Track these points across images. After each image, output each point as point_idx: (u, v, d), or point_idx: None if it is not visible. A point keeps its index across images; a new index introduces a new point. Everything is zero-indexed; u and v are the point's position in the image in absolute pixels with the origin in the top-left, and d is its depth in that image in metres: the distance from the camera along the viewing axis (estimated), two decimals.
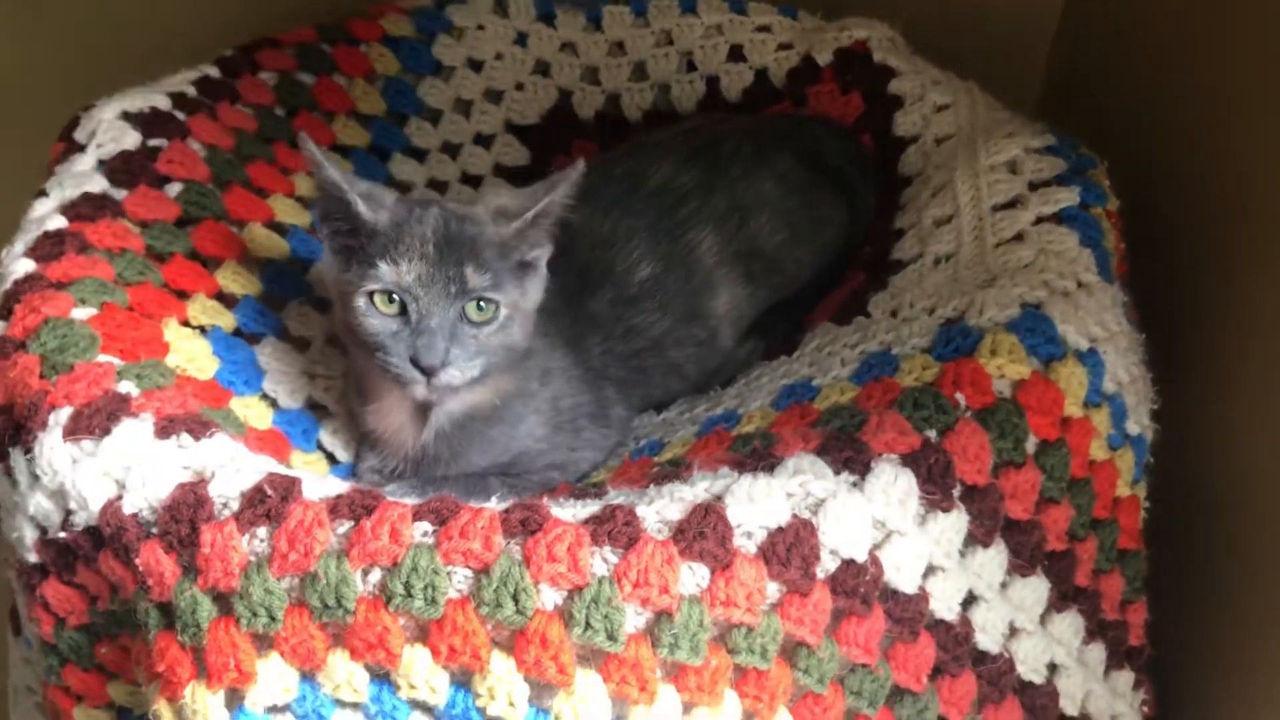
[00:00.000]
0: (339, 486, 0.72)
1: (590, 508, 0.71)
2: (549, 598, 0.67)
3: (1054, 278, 0.85)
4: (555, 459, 0.91)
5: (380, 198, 0.86)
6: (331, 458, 0.92)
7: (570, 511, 0.71)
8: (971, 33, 1.33)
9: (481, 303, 0.82)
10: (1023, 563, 0.78)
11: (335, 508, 0.70)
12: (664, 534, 0.69)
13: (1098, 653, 0.85)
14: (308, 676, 0.70)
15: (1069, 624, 0.82)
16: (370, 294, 0.82)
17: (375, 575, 0.68)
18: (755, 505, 0.70)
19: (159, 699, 0.72)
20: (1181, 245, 1.03)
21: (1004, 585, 0.78)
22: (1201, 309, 1.00)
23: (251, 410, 0.87)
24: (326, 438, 0.92)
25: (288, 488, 0.71)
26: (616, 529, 0.68)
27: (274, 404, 0.90)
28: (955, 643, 0.76)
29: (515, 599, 0.66)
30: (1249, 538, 0.93)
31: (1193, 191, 1.03)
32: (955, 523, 0.74)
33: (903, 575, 0.72)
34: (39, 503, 0.76)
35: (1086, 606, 0.83)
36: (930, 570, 0.74)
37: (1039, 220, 0.90)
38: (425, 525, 0.69)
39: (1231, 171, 0.97)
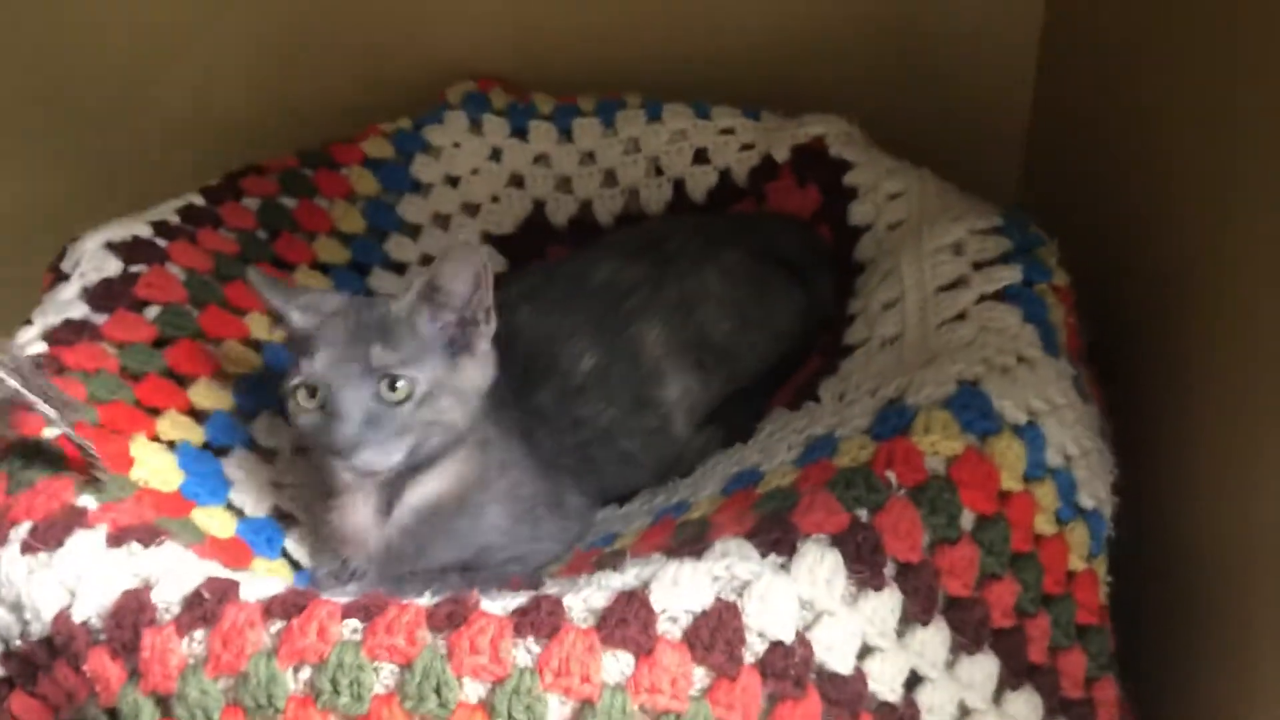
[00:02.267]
0: (277, 587, 0.74)
1: (519, 599, 0.72)
2: (472, 690, 0.68)
3: (993, 354, 0.85)
4: (516, 552, 0.93)
5: (320, 303, 0.91)
6: (296, 565, 0.94)
7: (500, 604, 0.72)
8: (946, 122, 1.36)
9: (396, 381, 0.85)
10: (967, 640, 0.77)
11: (269, 608, 0.71)
12: (588, 622, 0.69)
13: None
14: None
15: (1025, 702, 0.80)
16: (294, 391, 0.86)
17: (306, 673, 0.69)
18: (679, 589, 0.70)
19: None
20: (1167, 313, 1.03)
21: (949, 664, 0.77)
22: (1187, 373, 0.99)
23: (214, 520, 0.90)
24: (291, 545, 0.94)
25: (224, 590, 0.73)
26: (540, 619, 0.69)
27: (239, 513, 0.92)
28: None
29: (438, 692, 0.67)
30: (1234, 607, 0.91)
31: (1178, 259, 1.02)
32: (888, 601, 0.73)
33: (835, 655, 0.71)
34: (1, 616, 0.78)
35: (1044, 684, 0.81)
36: (866, 650, 0.73)
37: (981, 299, 0.91)
38: (354, 622, 0.70)
39: (1210, 243, 0.97)
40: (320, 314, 0.89)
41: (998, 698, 0.79)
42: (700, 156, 1.23)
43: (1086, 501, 0.86)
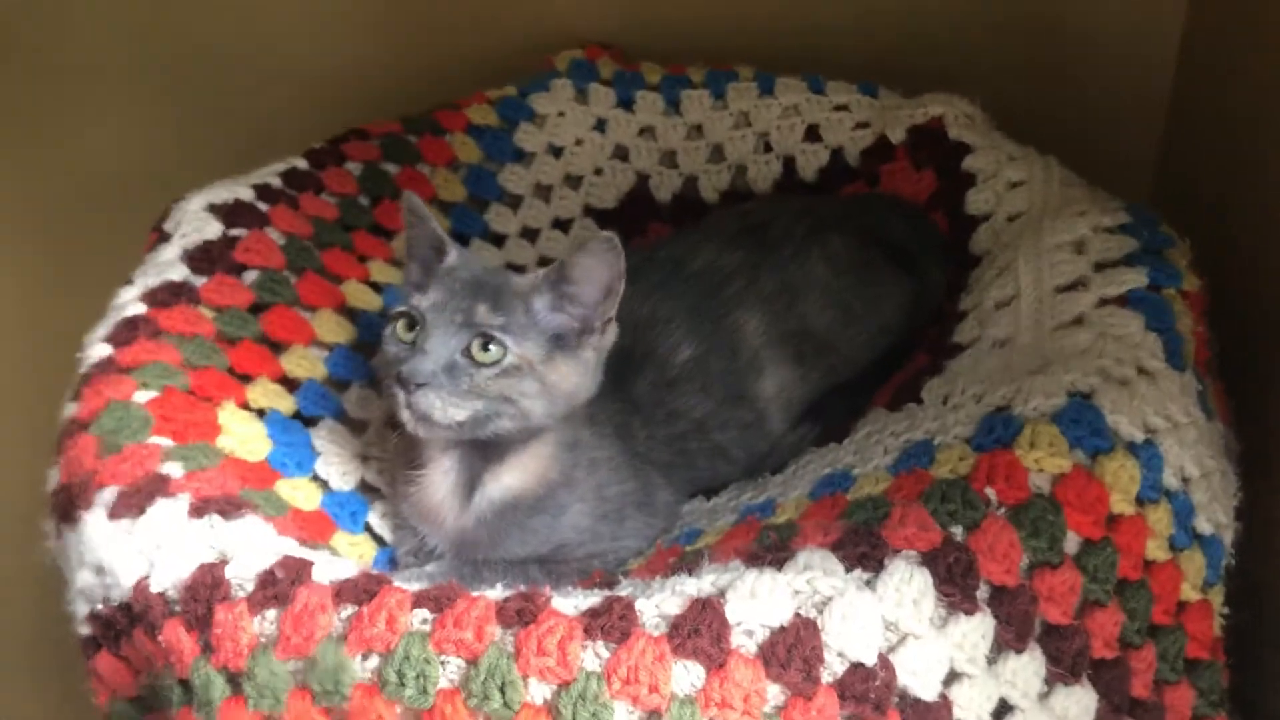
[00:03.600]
0: (351, 570, 0.74)
1: (592, 599, 0.70)
2: (538, 692, 0.66)
3: (1111, 364, 0.80)
4: (596, 549, 0.90)
5: (467, 254, 0.91)
6: (380, 540, 0.94)
7: (572, 602, 0.70)
8: (1079, 106, 1.29)
9: (490, 344, 0.83)
10: (1063, 671, 0.72)
11: (340, 592, 0.70)
12: (660, 629, 0.67)
13: None
14: None
15: None
16: (397, 318, 0.86)
17: (373, 661, 0.68)
18: (757, 602, 0.67)
19: None
20: None
21: (1043, 695, 0.72)
22: None
23: (300, 491, 0.89)
24: (375, 520, 0.94)
25: (299, 571, 0.72)
26: (611, 622, 0.67)
27: (325, 485, 0.92)
28: None
29: (502, 691, 0.66)
30: None
31: None
32: (979, 626, 0.69)
33: (920, 681, 0.68)
34: (85, 578, 0.79)
35: None
36: (953, 676, 0.69)
37: (1102, 302, 0.86)
38: (424, 613, 0.69)
39: None
40: (463, 261, 0.89)
41: None
42: (812, 134, 1.18)
43: (1205, 527, 0.80)
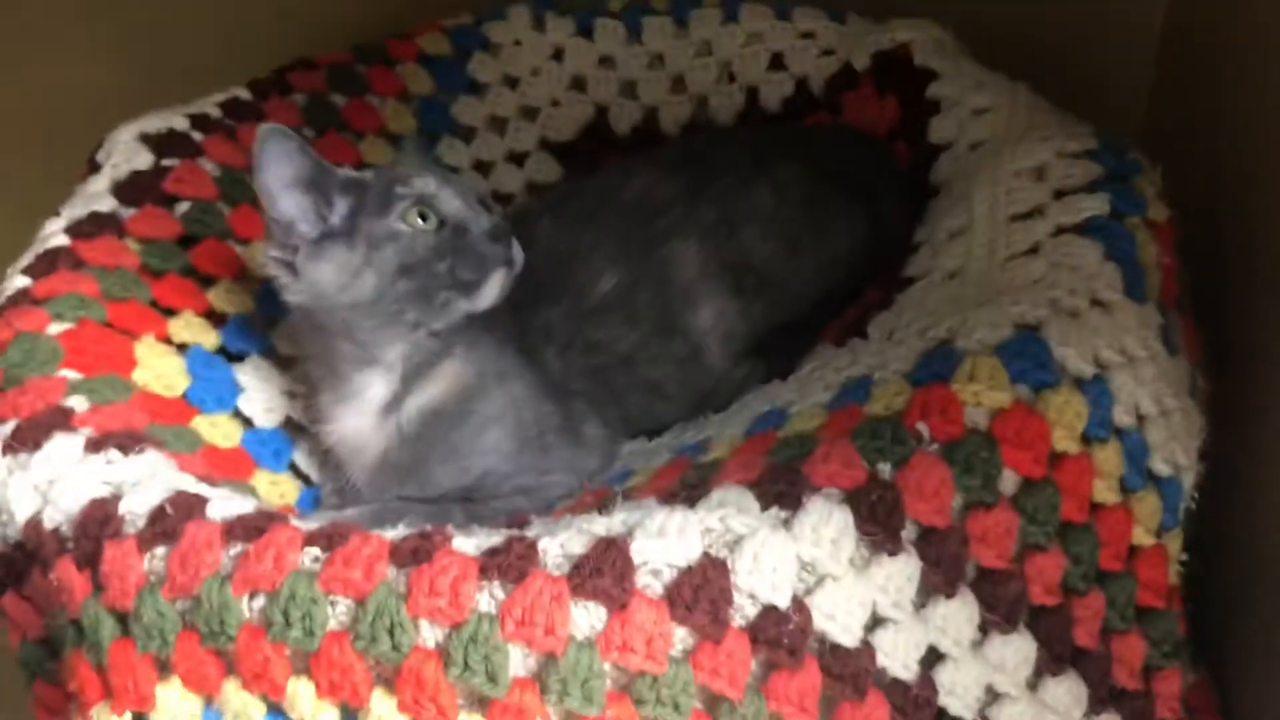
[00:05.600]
0: (247, 508, 0.70)
1: (494, 538, 0.66)
2: (429, 635, 0.62)
3: (1063, 295, 0.75)
4: (523, 482, 0.87)
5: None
6: (307, 480, 0.90)
7: (474, 542, 0.66)
8: (1067, 35, 1.22)
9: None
10: (998, 618, 0.68)
11: (230, 529, 0.67)
12: (561, 569, 0.63)
13: None
14: (210, 704, 0.68)
15: (1067, 690, 0.71)
16: (408, 212, 0.85)
17: (260, 601, 0.65)
18: (664, 541, 0.63)
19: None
20: None
21: (976, 643, 0.68)
22: None
23: (218, 429, 0.86)
24: (301, 459, 0.90)
25: (190, 507, 0.69)
26: (510, 562, 0.63)
27: (247, 422, 0.89)
28: (914, 705, 0.66)
29: (391, 634, 0.62)
30: None
31: None
32: (905, 568, 0.65)
33: (839, 625, 0.64)
34: None
35: (1092, 671, 0.72)
36: (877, 621, 0.65)
37: (1059, 231, 0.80)
38: (315, 550, 0.65)
39: None
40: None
41: (1034, 683, 0.70)
42: (776, 62, 1.13)
43: (1161, 468, 0.75)
